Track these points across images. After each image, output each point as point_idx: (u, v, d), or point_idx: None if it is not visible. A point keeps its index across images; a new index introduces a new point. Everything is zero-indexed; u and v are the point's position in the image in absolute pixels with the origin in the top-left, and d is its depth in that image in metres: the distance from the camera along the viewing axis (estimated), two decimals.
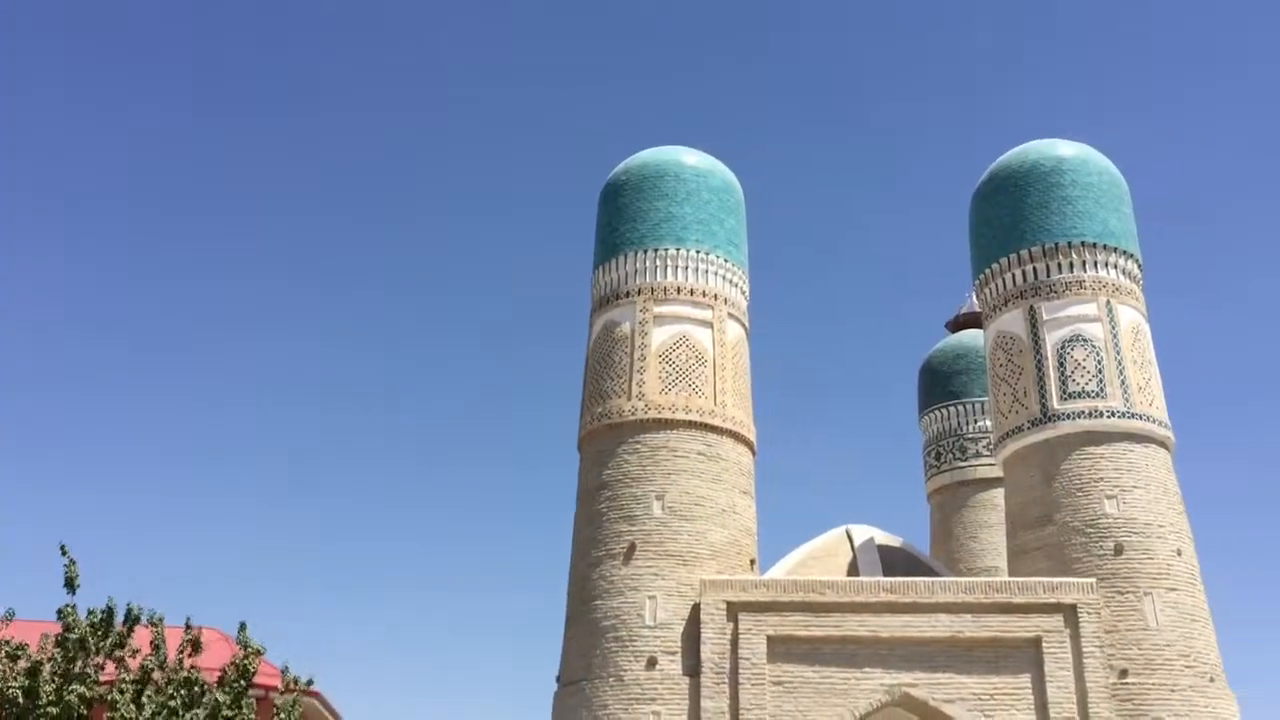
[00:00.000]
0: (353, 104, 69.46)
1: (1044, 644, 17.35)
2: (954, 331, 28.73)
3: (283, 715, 17.26)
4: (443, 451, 78.36)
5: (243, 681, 16.02)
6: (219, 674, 16.22)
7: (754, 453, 20.28)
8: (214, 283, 65.66)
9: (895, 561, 20.80)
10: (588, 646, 18.24)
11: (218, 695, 15.62)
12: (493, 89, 72.37)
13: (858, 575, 19.81)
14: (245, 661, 16.22)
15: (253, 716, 16.15)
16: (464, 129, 74.21)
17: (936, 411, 27.65)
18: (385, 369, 78.66)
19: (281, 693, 17.94)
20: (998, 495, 23.24)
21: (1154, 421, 19.21)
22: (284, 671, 18.36)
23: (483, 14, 71.12)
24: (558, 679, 19.12)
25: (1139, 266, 20.58)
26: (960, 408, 27.16)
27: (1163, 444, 19.32)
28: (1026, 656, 17.41)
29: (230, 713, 15.72)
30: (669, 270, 20.29)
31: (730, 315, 20.45)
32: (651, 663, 17.65)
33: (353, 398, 76.68)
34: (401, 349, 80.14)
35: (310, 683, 18.86)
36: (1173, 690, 17.17)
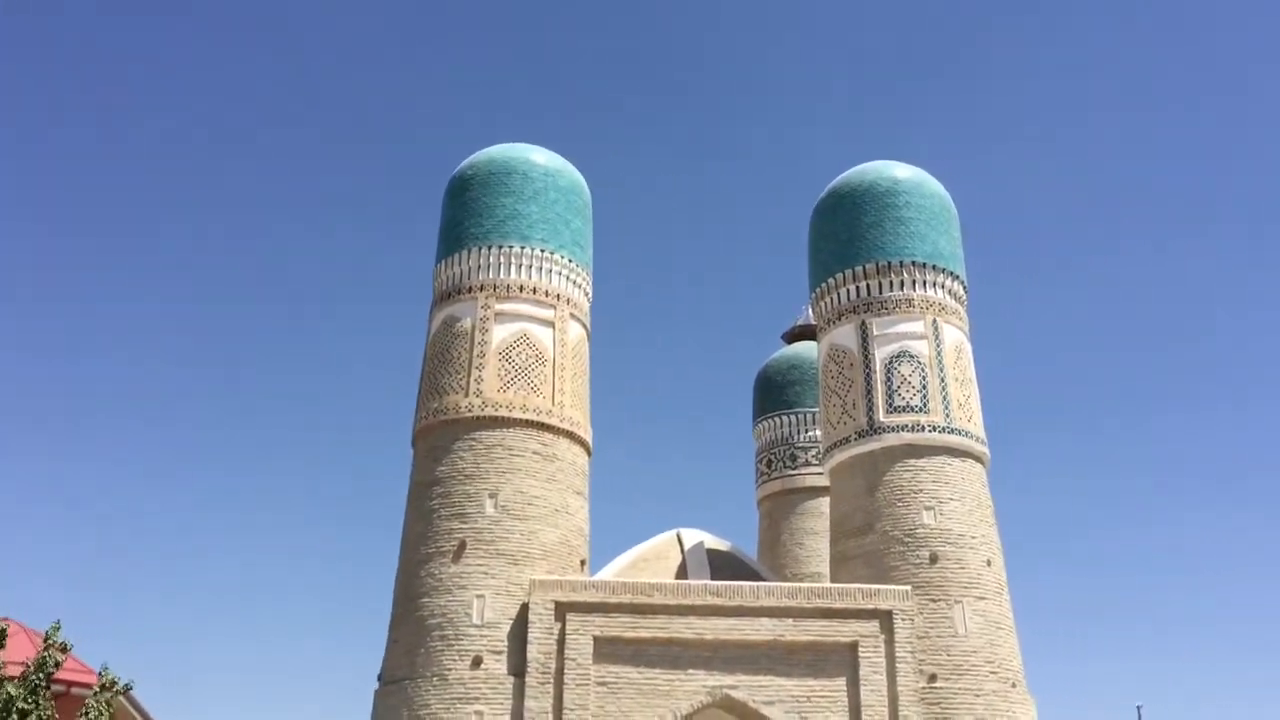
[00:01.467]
0: (192, 88, 66.97)
1: (860, 649, 17.92)
2: (790, 343, 29.44)
3: (91, 714, 16.57)
4: (271, 445, 76.13)
5: (41, 675, 15.31)
6: (22, 669, 15.54)
7: (589, 454, 20.36)
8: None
9: (724, 565, 21.16)
10: (412, 645, 17.98)
11: (9, 689, 14.93)
12: (343, 77, 70.83)
13: (687, 578, 20.08)
14: (47, 656, 15.55)
15: (51, 713, 15.48)
16: (310, 120, 72.35)
17: (769, 420, 28.27)
18: (217, 360, 75.98)
19: (96, 692, 17.24)
20: (824, 504, 23.90)
21: (972, 437, 20.08)
22: (102, 672, 17.67)
23: (333, 6, 69.50)
24: (379, 678, 18.78)
25: (964, 288, 21.48)
26: (792, 417, 27.84)
27: (979, 459, 20.20)
28: (843, 660, 17.95)
29: (26, 706, 15.00)
30: (513, 268, 20.19)
31: (572, 316, 20.48)
32: (477, 662, 17.52)
33: (181, 391, 73.83)
34: (234, 340, 77.54)
35: (129, 687, 18.17)
36: (977, 695, 17.95)
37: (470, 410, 19.20)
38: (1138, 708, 31.11)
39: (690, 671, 17.74)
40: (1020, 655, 18.94)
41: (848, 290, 21.06)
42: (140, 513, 72.11)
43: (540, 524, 18.71)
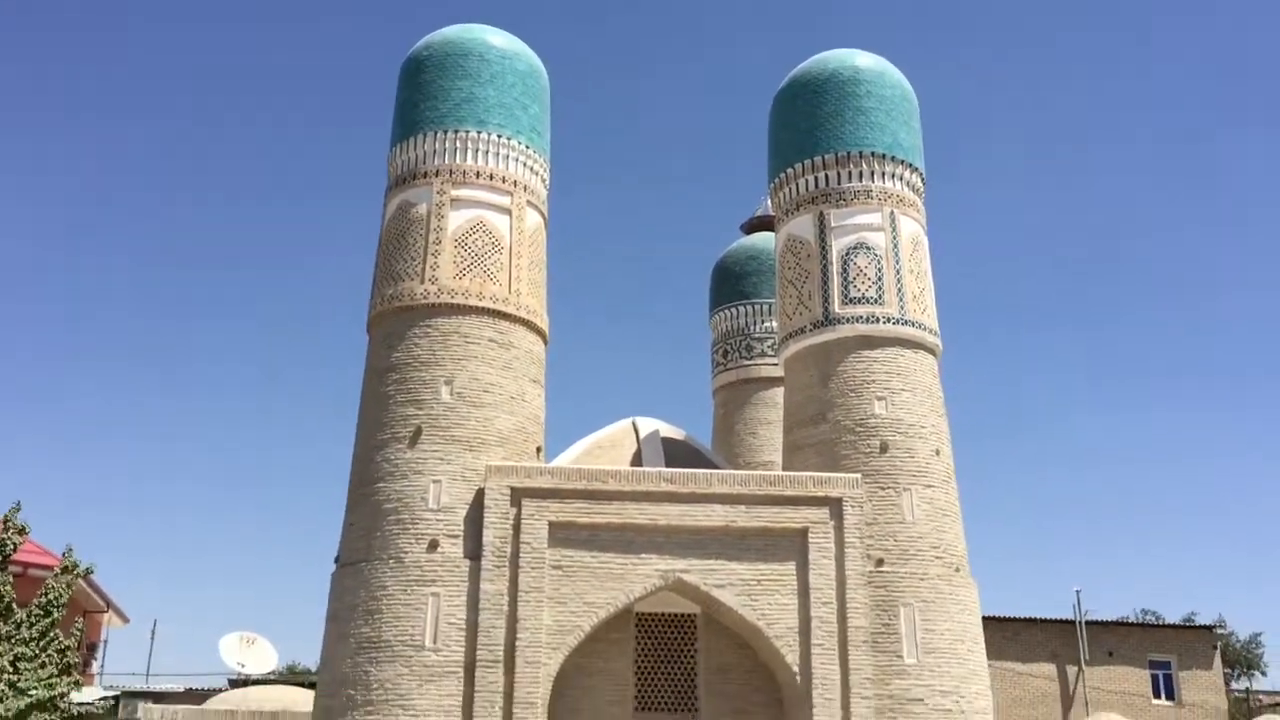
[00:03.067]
0: None
1: (810, 534, 18.31)
2: (748, 234, 29.41)
3: (50, 595, 16.75)
4: (230, 332, 75.48)
5: None
6: None
7: (546, 342, 20.37)
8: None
9: (678, 454, 21.43)
10: (369, 528, 18.16)
11: None
12: None
13: (641, 466, 20.32)
14: (5, 538, 15.68)
15: (8, 590, 15.66)
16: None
17: (726, 310, 28.37)
18: (175, 249, 74.64)
19: (57, 573, 17.40)
20: (778, 394, 24.15)
21: (925, 329, 20.28)
22: (65, 554, 17.79)
23: None
24: (337, 560, 19.00)
25: (922, 180, 21.47)
26: (749, 308, 27.95)
27: (931, 350, 20.44)
28: (793, 545, 18.34)
29: None
30: (469, 153, 19.90)
31: (529, 203, 20.29)
32: (433, 545, 17.74)
33: (139, 281, 72.66)
34: (190, 229, 76.08)
35: (90, 570, 18.31)
36: (922, 579, 18.46)
37: (426, 297, 19.10)
38: (1076, 591, 32.21)
39: (643, 556, 18.07)
40: (965, 541, 19.45)
41: (806, 181, 20.99)
42: (102, 399, 71.58)
43: (496, 411, 18.80)
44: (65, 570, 17.34)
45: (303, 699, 23.13)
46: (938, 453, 19.46)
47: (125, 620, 36.69)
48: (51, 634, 16.50)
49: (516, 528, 17.90)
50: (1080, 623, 31.20)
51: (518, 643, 17.31)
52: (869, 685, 17.67)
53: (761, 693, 18.72)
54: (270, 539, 76.26)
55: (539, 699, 17.15)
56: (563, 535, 18.00)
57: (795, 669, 17.76)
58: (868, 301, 20.00)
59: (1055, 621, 31.70)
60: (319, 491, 79.47)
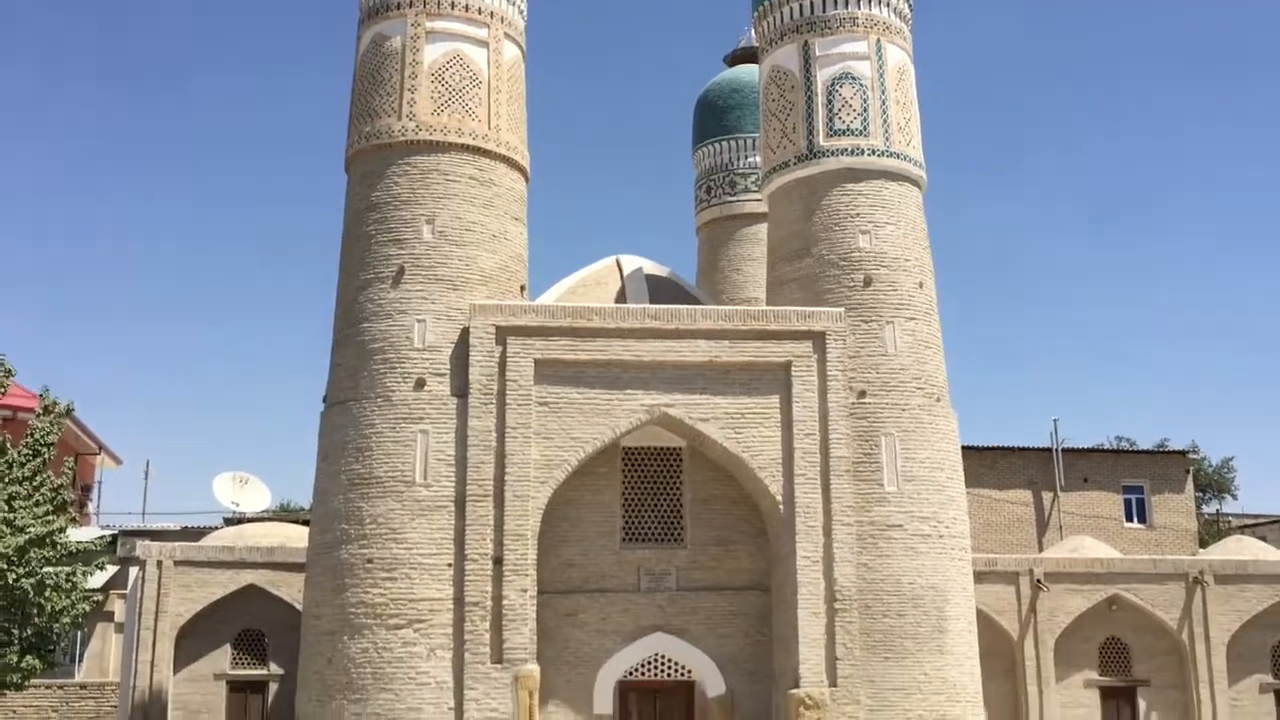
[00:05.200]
0: None
1: (793, 368, 18.50)
2: (732, 66, 28.78)
3: (38, 436, 16.90)
4: (209, 169, 74.31)
5: None
6: None
7: (527, 179, 20.12)
8: None
9: (662, 291, 21.46)
10: (355, 368, 18.26)
11: None
12: None
13: (626, 303, 20.36)
14: None
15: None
16: None
17: (710, 146, 27.99)
18: (152, 89, 72.78)
19: (39, 415, 17.50)
20: (762, 230, 24.03)
21: (910, 161, 20.09)
22: (43, 394, 17.84)
23: None
24: (325, 399, 19.17)
25: (909, 6, 20.92)
26: (733, 142, 27.57)
27: (916, 183, 20.30)
28: (777, 379, 18.56)
29: None
30: None
31: (507, 36, 19.73)
32: (420, 384, 17.88)
33: (124, 122, 71.05)
34: (162, 66, 74.03)
35: (70, 409, 18.41)
36: (903, 410, 18.77)
37: (404, 134, 18.75)
38: (1054, 421, 32.90)
39: (629, 391, 18.27)
40: (945, 372, 19.70)
41: (790, 8, 20.44)
42: (85, 240, 70.81)
43: (479, 250, 18.70)
44: (46, 410, 17.44)
45: (297, 535, 23.66)
46: (921, 286, 19.53)
47: (118, 462, 37.22)
48: (43, 474, 16.73)
49: (502, 365, 18.03)
50: (1056, 450, 31.92)
51: (506, 477, 17.64)
52: (850, 513, 18.15)
53: (745, 523, 19.23)
54: (260, 379, 76.80)
55: (528, 531, 17.58)
56: (548, 372, 18.15)
57: (778, 499, 18.19)
58: (853, 133, 19.74)
59: (1032, 450, 32.42)
60: (308, 331, 79.78)
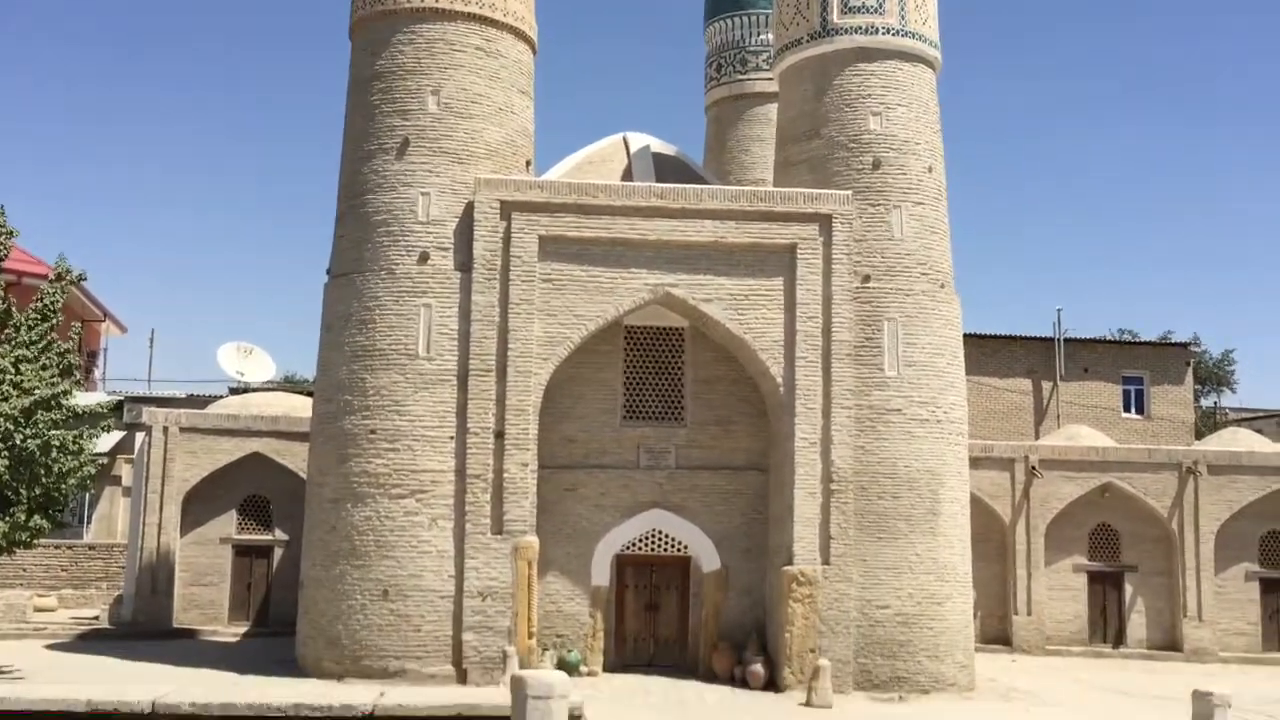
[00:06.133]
0: None
1: (799, 250, 18.42)
2: None
3: (46, 300, 16.96)
4: (211, 37, 72.93)
5: None
6: None
7: (534, 51, 19.75)
8: None
9: (669, 170, 21.23)
10: (359, 240, 18.20)
11: None
12: None
13: (632, 182, 20.17)
14: None
15: (4, 295, 15.87)
16: None
17: (722, 21, 27.40)
18: None
19: (50, 281, 17.55)
20: (772, 110, 23.68)
21: (925, 41, 19.66)
22: (57, 262, 17.88)
23: None
24: (329, 271, 19.16)
25: None
26: (746, 18, 26.98)
27: (930, 64, 19.90)
28: (782, 261, 18.49)
29: None
30: None
31: None
32: (424, 257, 17.84)
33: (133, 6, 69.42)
34: None
35: (83, 277, 18.43)
36: (907, 295, 18.75)
37: (408, 1, 18.34)
38: (1057, 310, 32.86)
39: (633, 270, 18.23)
40: (950, 258, 19.61)
41: None
42: (93, 115, 69.95)
43: (484, 122, 18.45)
44: (59, 277, 17.49)
45: (302, 405, 23.90)
46: (930, 170, 19.32)
47: (123, 329, 37.40)
48: (50, 338, 16.82)
49: (506, 241, 17.96)
50: (1058, 340, 32.00)
51: (509, 353, 17.73)
52: (849, 396, 18.27)
53: (746, 404, 19.38)
54: (265, 250, 76.65)
55: (530, 406, 17.74)
56: (553, 249, 18.08)
57: (779, 380, 18.30)
58: (868, 10, 19.28)
59: (1034, 339, 32.50)
60: (313, 201, 79.26)
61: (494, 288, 17.86)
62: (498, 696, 5.54)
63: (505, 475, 17.53)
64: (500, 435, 17.59)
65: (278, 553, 23.52)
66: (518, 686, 4.26)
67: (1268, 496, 24.59)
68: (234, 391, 29.71)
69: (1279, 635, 24.76)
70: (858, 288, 18.59)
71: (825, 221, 18.50)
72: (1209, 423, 38.87)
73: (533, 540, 17.58)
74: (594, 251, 18.18)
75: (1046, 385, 32.00)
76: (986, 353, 30.93)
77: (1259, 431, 31.48)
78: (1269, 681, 20.96)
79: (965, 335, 19.86)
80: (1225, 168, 76.69)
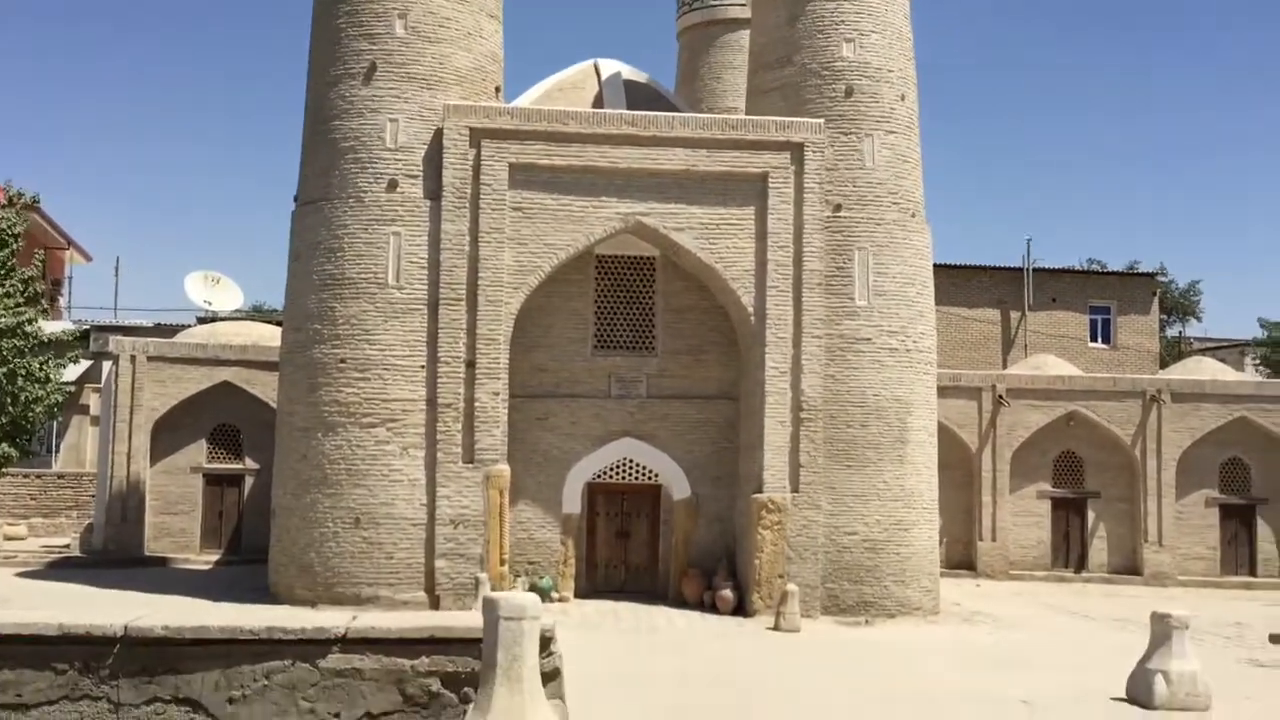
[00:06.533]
0: None
1: (770, 179, 18.36)
2: None
3: (4, 227, 16.69)
4: None
5: None
6: None
7: None
8: None
9: (640, 98, 21.03)
10: (326, 167, 17.97)
11: None
12: None
13: (603, 109, 19.98)
14: None
15: None
16: None
17: None
18: None
19: (3, 207, 17.25)
20: (745, 37, 23.47)
21: None
22: (6, 186, 17.55)
23: None
24: (296, 199, 18.94)
25: None
26: None
27: None
28: (753, 190, 18.43)
29: None
30: None
31: None
32: (392, 185, 17.66)
33: None
34: None
35: (36, 200, 18.12)
36: (878, 224, 18.75)
37: None
38: (1027, 240, 32.93)
39: (604, 199, 18.12)
40: (922, 187, 19.60)
41: None
42: (60, 47, 68.31)
43: (452, 47, 18.18)
44: (10, 202, 17.18)
45: (270, 334, 23.76)
46: (903, 98, 19.22)
47: (88, 258, 36.91)
48: (10, 264, 16.59)
49: (476, 169, 17.79)
50: (1027, 270, 32.15)
51: (479, 282, 17.65)
52: (820, 325, 18.34)
53: (716, 333, 19.43)
54: (233, 177, 75.61)
55: (501, 335, 17.72)
56: (523, 177, 17.94)
57: (749, 310, 18.33)
58: None
59: (1002, 269, 32.65)
60: (282, 127, 78.08)
61: (464, 216, 17.72)
62: (470, 620, 5.60)
63: (476, 404, 17.55)
64: (471, 364, 17.58)
65: (249, 481, 23.54)
66: (490, 608, 4.31)
67: (1229, 424, 25.00)
68: (201, 321, 29.48)
69: (1237, 560, 25.33)
70: (829, 217, 18.57)
71: (797, 150, 18.41)
72: (1174, 352, 39.28)
73: (504, 469, 17.66)
74: (565, 180, 18.05)
75: (1015, 315, 32.22)
76: (956, 283, 31.05)
77: (1222, 361, 31.88)
78: (1226, 604, 21.48)
79: (935, 265, 19.93)
80: (1194, 100, 76.73)
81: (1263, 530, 25.23)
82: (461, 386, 17.55)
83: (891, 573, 18.28)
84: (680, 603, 18.62)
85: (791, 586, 17.25)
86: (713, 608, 18.21)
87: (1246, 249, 73.83)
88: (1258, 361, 34.68)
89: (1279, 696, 11.71)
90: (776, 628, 16.87)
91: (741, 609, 17.99)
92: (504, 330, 17.75)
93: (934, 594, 18.81)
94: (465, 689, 5.85)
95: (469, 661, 5.80)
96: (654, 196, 18.20)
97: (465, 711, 4.91)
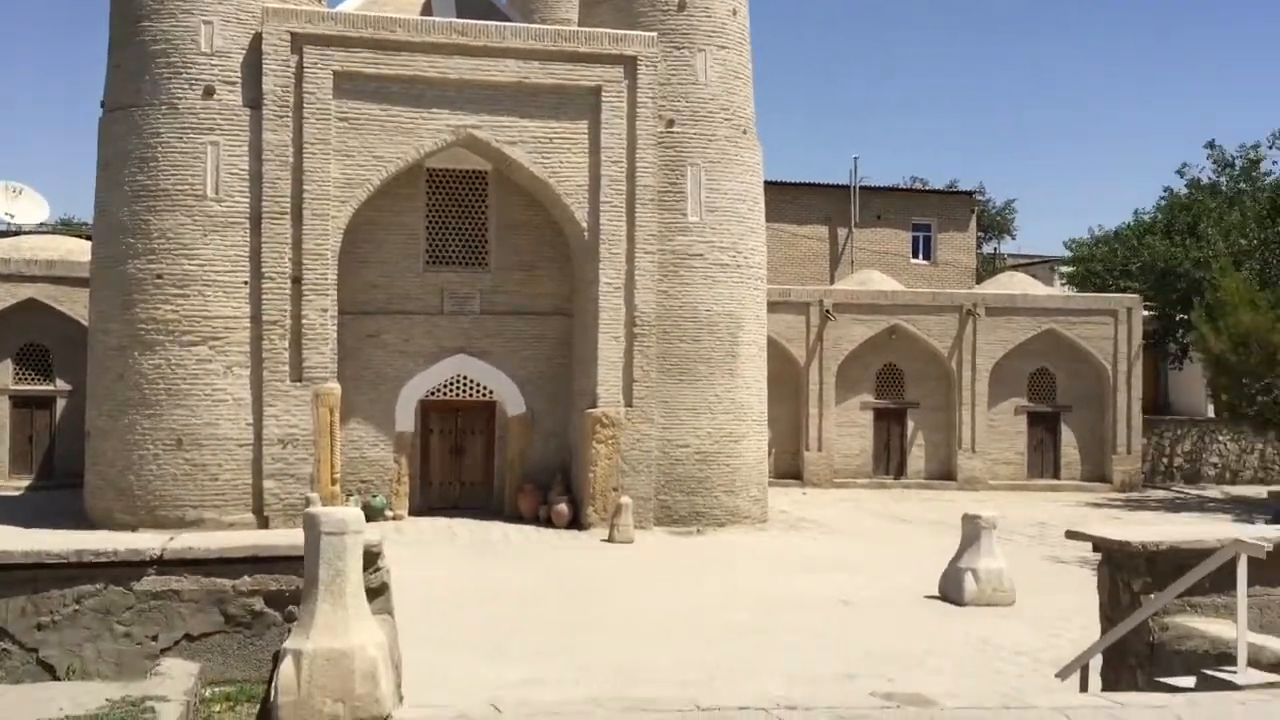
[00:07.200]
0: None
1: (603, 93, 18.21)
2: None
3: None
4: None
5: None
6: None
7: None
8: None
9: (471, 6, 20.49)
10: (136, 72, 16.97)
11: None
12: None
13: (431, 17, 19.39)
14: None
15: None
16: None
17: None
18: None
19: None
20: None
21: None
22: None
23: None
24: (104, 105, 17.86)
25: None
26: None
27: None
28: (586, 104, 18.26)
29: None
30: None
31: None
32: (209, 91, 16.83)
33: None
34: None
35: None
36: (710, 140, 18.86)
37: None
38: (854, 159, 33.75)
39: (434, 110, 17.69)
40: (753, 104, 19.77)
41: None
42: None
43: None
44: None
45: (80, 249, 22.51)
46: (734, 13, 19.25)
47: None
48: None
49: (299, 76, 17.10)
50: (854, 188, 32.95)
51: (305, 195, 17.08)
52: (653, 241, 18.44)
53: (550, 248, 19.33)
54: (32, 80, 70.67)
55: (329, 250, 17.23)
56: (348, 86, 17.33)
57: (583, 225, 18.28)
58: None
59: (831, 186, 33.38)
60: (88, 24, 73.13)
61: (287, 126, 17.05)
62: (294, 537, 5.51)
63: (304, 321, 17.09)
64: (298, 280, 17.07)
65: (60, 403, 22.43)
66: (311, 524, 4.25)
67: (1038, 336, 26.32)
68: (2, 235, 27.69)
69: (1042, 464, 26.89)
70: (662, 132, 18.58)
71: (630, 64, 18.30)
72: (990, 268, 41.01)
73: (334, 387, 17.31)
74: (393, 90, 17.52)
75: (842, 232, 33.06)
76: (785, 200, 31.61)
77: (1034, 276, 33.46)
78: (1032, 506, 22.84)
79: (765, 183, 20.21)
80: (1015, 25, 79.28)
81: (1066, 436, 26.81)
82: (288, 303, 17.04)
83: (722, 483, 18.77)
84: (516, 518, 18.74)
85: (626, 499, 17.53)
86: (548, 522, 18.39)
87: (1058, 171, 77.34)
88: (1064, 280, 36.52)
89: (1076, 589, 12.56)
90: (611, 539, 17.16)
91: (577, 522, 18.22)
92: (332, 245, 17.27)
93: (763, 503, 19.41)
94: (290, 607, 5.78)
95: (293, 580, 5.73)
96: (486, 109, 17.86)
97: (290, 630, 4.85)
